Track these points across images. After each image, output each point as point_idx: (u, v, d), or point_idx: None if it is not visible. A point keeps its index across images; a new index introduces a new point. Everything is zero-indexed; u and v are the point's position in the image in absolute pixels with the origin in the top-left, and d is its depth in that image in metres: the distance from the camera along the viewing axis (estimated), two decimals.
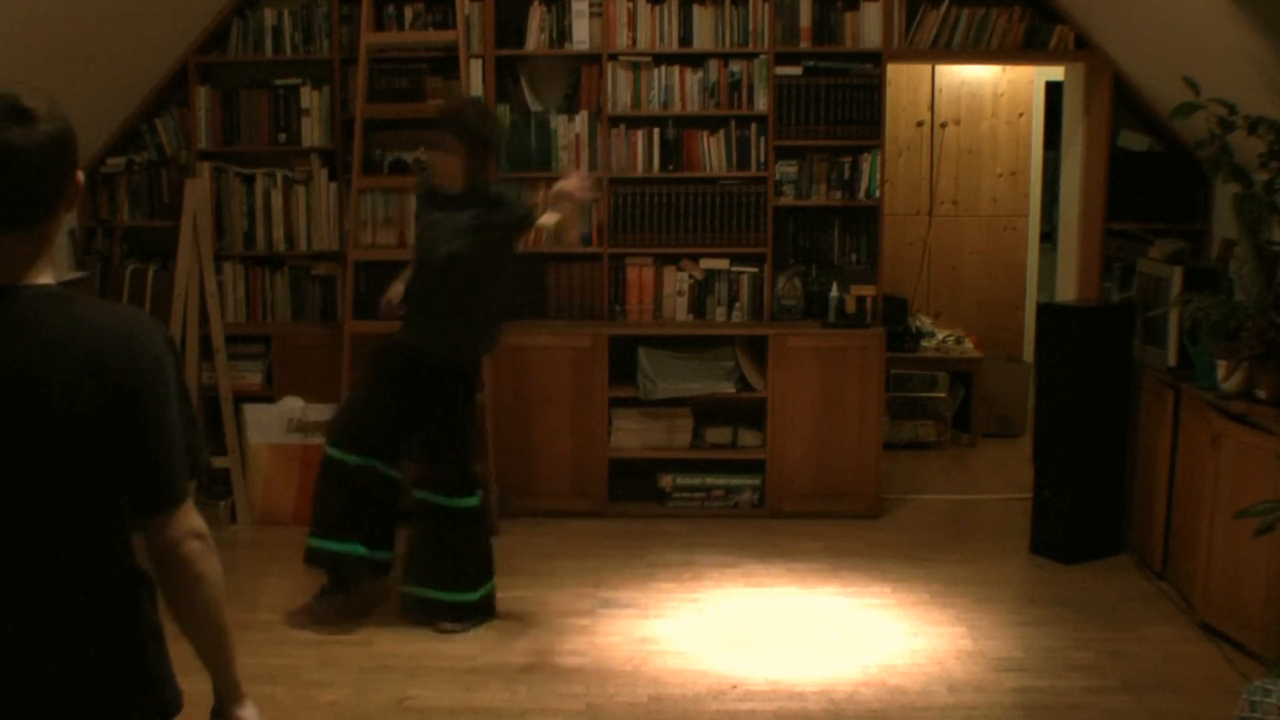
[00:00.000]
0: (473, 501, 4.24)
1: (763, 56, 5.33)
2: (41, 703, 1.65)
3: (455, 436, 4.24)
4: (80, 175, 1.68)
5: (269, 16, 5.39)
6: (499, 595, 4.42)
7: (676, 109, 5.40)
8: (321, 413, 5.36)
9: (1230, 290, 4.31)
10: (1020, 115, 7.24)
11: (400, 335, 4.26)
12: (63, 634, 1.66)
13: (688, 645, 4.11)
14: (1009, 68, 7.10)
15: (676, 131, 5.42)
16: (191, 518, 1.71)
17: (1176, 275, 4.58)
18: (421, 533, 4.28)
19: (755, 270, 5.51)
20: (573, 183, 4.08)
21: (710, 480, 5.48)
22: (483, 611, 4.29)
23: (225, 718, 1.81)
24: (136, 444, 1.64)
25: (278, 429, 5.39)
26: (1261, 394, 3.97)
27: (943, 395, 6.69)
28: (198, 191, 5.36)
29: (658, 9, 5.34)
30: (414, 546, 4.30)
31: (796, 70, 5.34)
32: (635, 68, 5.37)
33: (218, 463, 5.41)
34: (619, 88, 5.38)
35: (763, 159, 5.39)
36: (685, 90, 5.39)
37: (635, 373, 5.40)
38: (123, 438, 1.64)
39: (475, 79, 5.33)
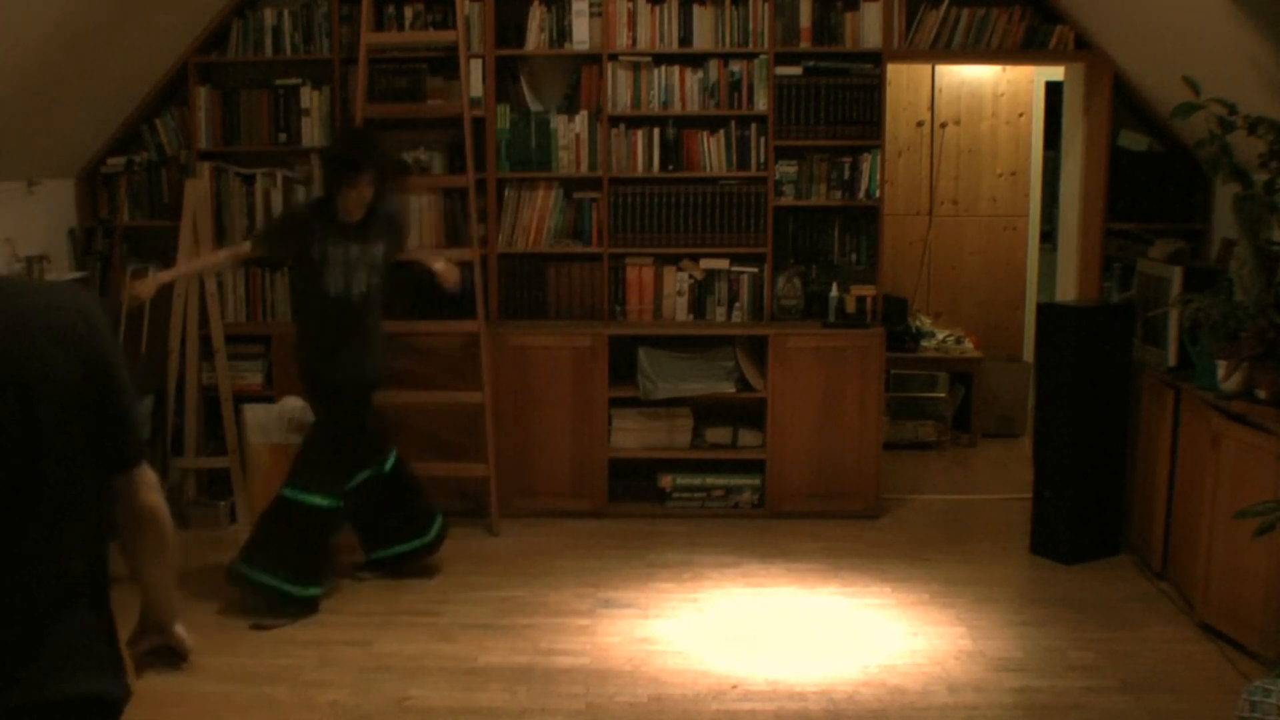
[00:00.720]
0: (317, 500, 4.36)
1: (763, 56, 5.33)
2: (33, 675, 1.68)
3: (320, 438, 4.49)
4: None
5: (269, 16, 5.39)
6: (508, 594, 4.43)
7: (676, 109, 5.40)
8: None
9: (1230, 290, 4.31)
10: (1020, 115, 7.24)
11: (339, 373, 4.44)
12: (49, 611, 1.70)
13: (688, 645, 4.10)
14: (1009, 68, 7.10)
15: (676, 131, 5.42)
16: (150, 472, 1.86)
17: (1176, 275, 4.58)
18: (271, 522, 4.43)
19: (755, 270, 5.51)
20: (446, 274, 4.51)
21: (710, 480, 5.48)
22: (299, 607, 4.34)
23: (165, 632, 1.97)
24: (109, 406, 1.75)
25: (278, 429, 5.39)
26: (1261, 394, 3.97)
27: (943, 395, 6.69)
28: (198, 191, 5.36)
29: (658, 9, 5.34)
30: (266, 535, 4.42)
31: (796, 70, 5.34)
32: (635, 68, 5.37)
33: (218, 463, 5.42)
34: (619, 88, 5.38)
35: (763, 159, 5.39)
36: (685, 90, 5.39)
37: (635, 373, 5.40)
38: (98, 403, 1.73)
39: (475, 79, 5.33)
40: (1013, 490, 5.82)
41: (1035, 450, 5.07)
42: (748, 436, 5.46)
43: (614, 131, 5.41)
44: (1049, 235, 7.30)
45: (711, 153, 5.41)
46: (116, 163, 5.49)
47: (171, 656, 2.04)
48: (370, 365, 4.48)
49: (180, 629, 2.01)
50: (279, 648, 4.09)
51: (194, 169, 5.42)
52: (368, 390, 4.53)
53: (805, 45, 5.35)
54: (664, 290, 5.54)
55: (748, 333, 5.46)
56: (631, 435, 5.45)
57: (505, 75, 5.46)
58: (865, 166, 5.41)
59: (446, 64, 5.36)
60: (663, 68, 5.38)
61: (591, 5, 5.32)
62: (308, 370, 4.51)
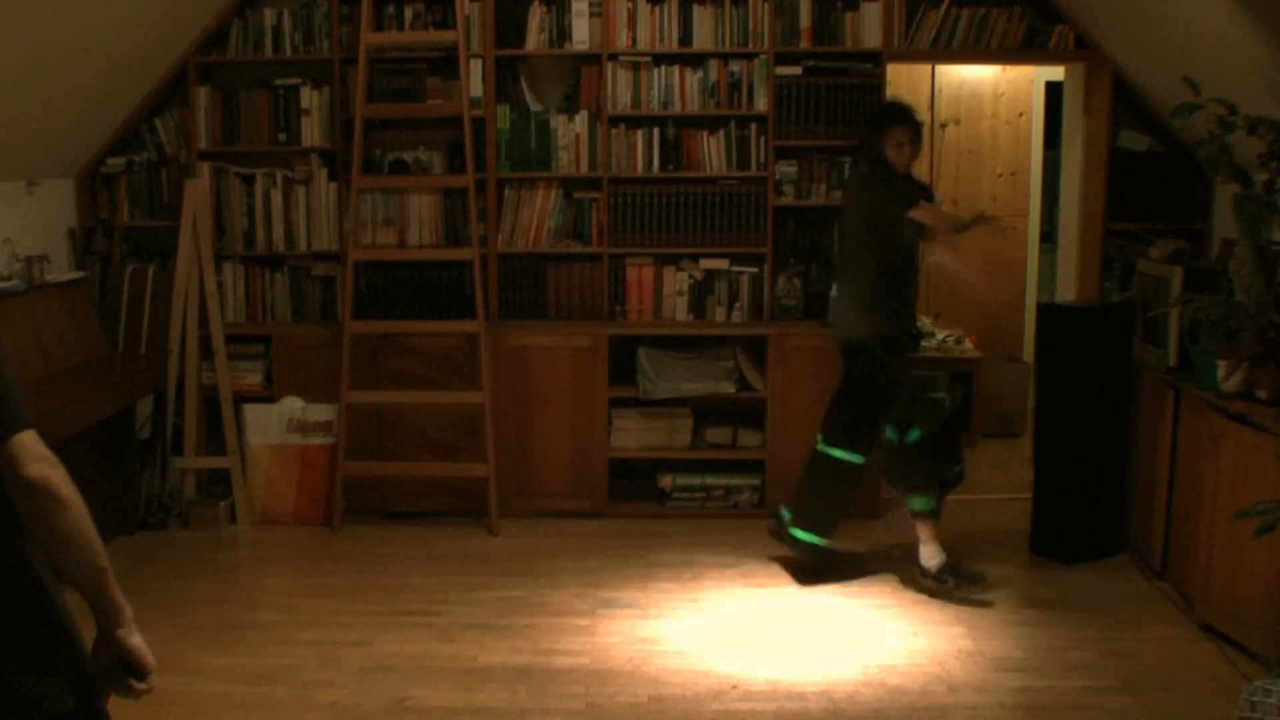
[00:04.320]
0: (839, 454, 4.66)
1: (763, 56, 5.33)
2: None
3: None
4: None
5: (269, 16, 5.39)
6: (508, 594, 4.43)
7: (676, 109, 5.40)
8: (321, 413, 5.37)
9: (1230, 290, 4.31)
10: (1020, 115, 7.24)
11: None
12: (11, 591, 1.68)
13: (688, 645, 4.10)
14: (1009, 68, 7.10)
15: (676, 131, 5.42)
16: (41, 445, 1.69)
17: (1176, 275, 4.58)
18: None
19: (755, 270, 5.50)
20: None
21: (710, 480, 5.48)
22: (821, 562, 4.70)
23: (111, 642, 1.78)
24: None
25: (278, 429, 5.40)
26: (1261, 394, 3.96)
27: (943, 395, 6.68)
28: (198, 191, 5.36)
29: (658, 9, 5.34)
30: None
31: (796, 70, 5.34)
32: (635, 68, 5.37)
33: (218, 463, 5.42)
34: (619, 88, 5.38)
35: (763, 159, 5.39)
36: (685, 90, 5.39)
37: (635, 373, 5.40)
38: None
39: (475, 79, 5.33)
40: (1013, 490, 5.82)
41: (1035, 450, 5.07)
42: (748, 436, 5.46)
43: (614, 131, 5.41)
44: (1049, 235, 7.29)
45: (711, 153, 5.41)
46: (116, 163, 5.49)
47: (125, 674, 1.79)
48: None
49: (134, 639, 1.78)
50: (279, 648, 4.09)
51: (194, 169, 5.42)
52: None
53: (805, 45, 5.35)
54: (664, 290, 5.54)
55: (748, 333, 5.46)
56: (631, 435, 5.45)
57: (505, 75, 5.46)
58: None
59: (446, 64, 5.36)
60: (663, 68, 5.38)
61: (591, 5, 5.32)
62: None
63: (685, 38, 5.36)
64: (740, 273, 5.51)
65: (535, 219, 5.48)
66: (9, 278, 4.72)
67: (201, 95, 5.43)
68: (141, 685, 1.80)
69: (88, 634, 1.80)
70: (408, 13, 5.37)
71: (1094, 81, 5.38)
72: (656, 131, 5.41)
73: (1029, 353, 7.02)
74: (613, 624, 4.29)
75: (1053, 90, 7.00)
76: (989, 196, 7.29)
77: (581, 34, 5.34)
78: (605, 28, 5.34)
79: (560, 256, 5.52)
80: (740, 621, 4.32)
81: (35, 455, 1.66)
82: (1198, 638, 4.15)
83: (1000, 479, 6.13)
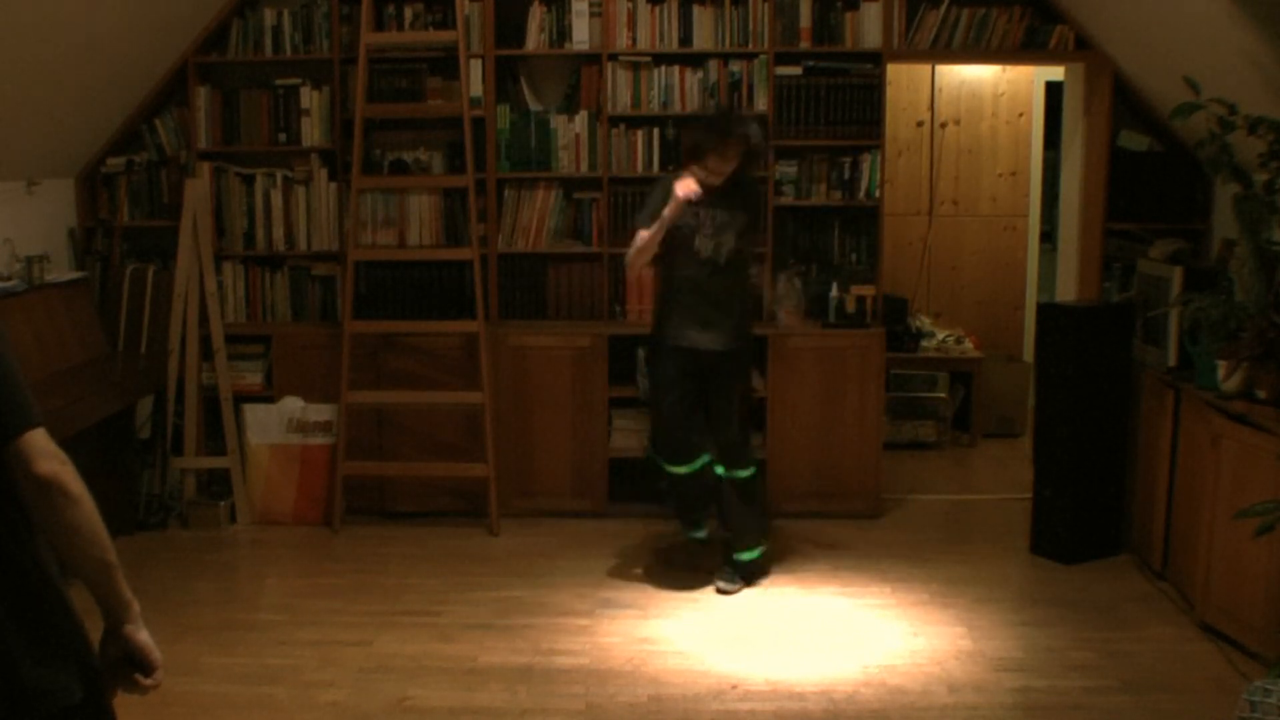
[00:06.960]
0: (751, 472, 4.64)
1: (763, 56, 5.33)
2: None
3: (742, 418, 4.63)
4: None
5: (269, 16, 5.39)
6: (508, 594, 4.44)
7: (676, 109, 5.40)
8: (321, 413, 5.38)
9: (1230, 290, 4.31)
10: (1020, 115, 7.24)
11: (683, 339, 4.50)
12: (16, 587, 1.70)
13: (688, 645, 4.11)
14: (1009, 68, 7.10)
15: (676, 131, 5.41)
16: (50, 442, 1.71)
17: (1176, 275, 4.58)
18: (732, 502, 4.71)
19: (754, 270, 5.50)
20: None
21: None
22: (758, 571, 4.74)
23: (118, 636, 1.80)
24: None
25: (278, 429, 5.40)
26: (1261, 394, 3.97)
27: (943, 395, 6.70)
28: (198, 191, 5.36)
29: (658, 9, 5.34)
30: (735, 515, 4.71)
31: (796, 70, 5.34)
32: (635, 68, 5.37)
33: (218, 463, 5.42)
34: (619, 88, 5.38)
35: (763, 159, 5.38)
36: (685, 90, 5.39)
37: (635, 373, 5.40)
38: None
39: (475, 79, 5.33)
40: (1013, 490, 5.82)
41: (1035, 450, 5.07)
42: None
43: (614, 131, 5.41)
44: (1049, 235, 7.30)
45: None
46: (116, 163, 5.49)
47: (132, 669, 1.81)
48: (724, 334, 4.49)
49: (141, 634, 1.81)
50: (279, 648, 4.09)
51: (194, 169, 5.42)
52: (715, 360, 4.50)
53: (805, 45, 5.35)
54: None
55: None
56: (631, 435, 5.44)
57: (505, 75, 5.46)
58: (865, 166, 5.40)
59: (446, 64, 5.36)
60: (663, 68, 5.38)
61: (591, 5, 5.32)
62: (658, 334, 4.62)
63: (685, 38, 5.36)
64: None
65: (535, 219, 5.48)
66: (9, 278, 4.72)
67: (201, 95, 5.43)
68: (148, 680, 1.82)
69: (94, 631, 1.81)
70: (408, 13, 5.37)
71: (1094, 81, 5.38)
72: (656, 131, 5.41)
73: (1029, 353, 7.02)
74: (613, 624, 4.29)
75: (1053, 90, 7.01)
76: (989, 196, 7.29)
77: (581, 34, 5.34)
78: (605, 28, 5.33)
79: (560, 256, 5.52)
80: (740, 621, 4.32)
81: (45, 452, 1.69)
82: (1198, 638, 4.15)
83: (1000, 479, 6.13)
